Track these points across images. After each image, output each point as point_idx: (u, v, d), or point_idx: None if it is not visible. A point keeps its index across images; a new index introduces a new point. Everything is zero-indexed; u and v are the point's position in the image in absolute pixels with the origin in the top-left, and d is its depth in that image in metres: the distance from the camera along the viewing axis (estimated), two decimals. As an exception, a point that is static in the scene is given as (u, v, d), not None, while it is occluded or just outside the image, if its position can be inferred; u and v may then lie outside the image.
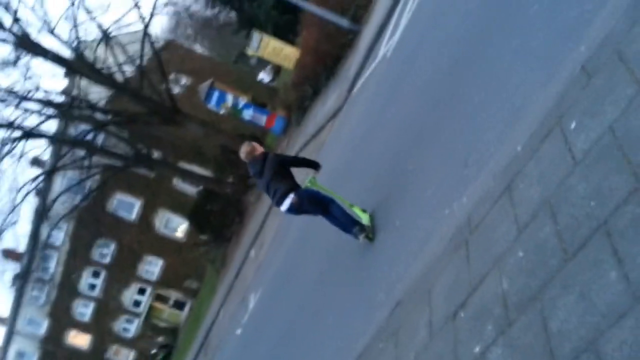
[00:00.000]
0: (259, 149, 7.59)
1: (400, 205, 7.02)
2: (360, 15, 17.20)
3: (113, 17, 64.67)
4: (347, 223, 7.30)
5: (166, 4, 32.72)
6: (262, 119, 23.63)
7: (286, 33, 25.46)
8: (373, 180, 8.82)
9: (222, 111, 24.34)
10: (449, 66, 7.94)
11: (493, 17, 7.17)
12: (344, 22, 16.85)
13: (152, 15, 25.95)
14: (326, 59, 18.27)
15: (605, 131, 3.00)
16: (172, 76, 30.79)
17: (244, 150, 7.54)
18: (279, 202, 7.27)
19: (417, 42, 10.92)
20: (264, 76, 40.25)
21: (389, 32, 14.02)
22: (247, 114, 23.82)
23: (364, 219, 7.38)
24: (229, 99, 23.88)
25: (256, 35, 22.81)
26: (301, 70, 20.07)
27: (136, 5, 24.40)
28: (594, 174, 2.94)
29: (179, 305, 41.92)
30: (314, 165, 7.72)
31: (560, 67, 4.20)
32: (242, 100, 23.89)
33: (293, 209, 7.32)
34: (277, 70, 34.05)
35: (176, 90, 32.65)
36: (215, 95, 23.83)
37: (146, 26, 24.99)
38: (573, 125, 3.32)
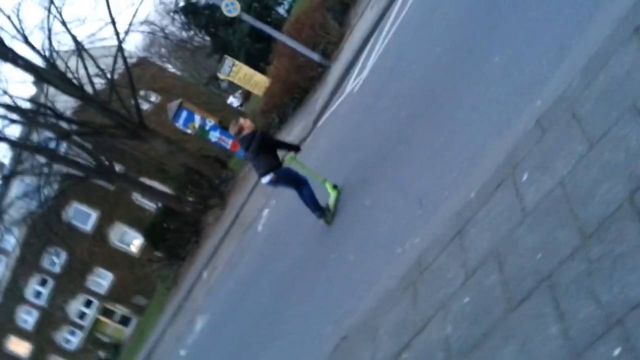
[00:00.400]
0: (248, 127, 8.64)
1: (355, 240, 7.06)
2: (331, 51, 17.42)
3: (88, 30, 64.32)
4: (313, 205, 8.60)
5: (143, 22, 32.68)
6: (228, 142, 23.52)
7: (258, 61, 25.61)
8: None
9: (189, 131, 24.19)
10: (412, 108, 8.08)
11: (457, 64, 7.34)
12: (314, 56, 17.06)
13: (127, 32, 25.81)
14: (295, 90, 18.37)
15: (555, 186, 3.05)
16: (142, 92, 30.54)
17: (233, 128, 8.73)
18: (262, 176, 8.61)
19: (384, 82, 11.10)
20: (233, 100, 40.35)
21: (357, 69, 14.22)
22: (214, 135, 23.72)
23: (332, 195, 8.65)
24: (197, 119, 23.77)
25: (228, 61, 22.87)
26: (270, 98, 20.10)
27: (112, 22, 24.23)
28: (542, 227, 2.97)
29: (125, 321, 40.86)
30: (294, 148, 9.27)
31: (517, 119, 4.30)
32: (210, 122, 23.81)
33: (272, 183, 8.70)
34: (246, 95, 34.14)
35: (145, 106, 32.38)
36: (184, 114, 23.70)
37: (121, 42, 24.83)
38: (525, 177, 3.38)
